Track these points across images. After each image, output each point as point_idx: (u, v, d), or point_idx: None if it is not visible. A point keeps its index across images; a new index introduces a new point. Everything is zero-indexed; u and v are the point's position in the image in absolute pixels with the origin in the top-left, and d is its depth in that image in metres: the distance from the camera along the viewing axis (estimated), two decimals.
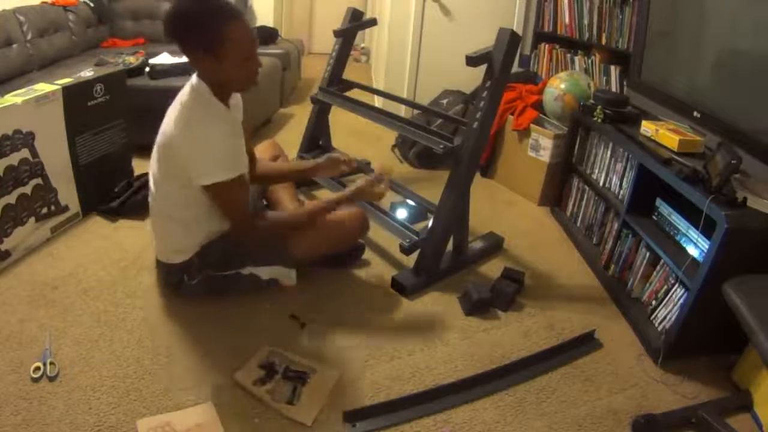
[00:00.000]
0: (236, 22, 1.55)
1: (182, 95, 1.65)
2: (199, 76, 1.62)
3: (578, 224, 2.52)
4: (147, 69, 2.94)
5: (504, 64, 1.86)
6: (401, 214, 2.13)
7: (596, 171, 2.38)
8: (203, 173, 1.59)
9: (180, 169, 1.61)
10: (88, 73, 2.32)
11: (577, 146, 2.54)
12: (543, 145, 2.72)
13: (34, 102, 1.98)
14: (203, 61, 1.56)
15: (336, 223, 1.87)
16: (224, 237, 1.77)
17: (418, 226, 2.09)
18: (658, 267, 1.88)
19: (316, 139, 2.76)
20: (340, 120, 3.08)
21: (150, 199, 1.77)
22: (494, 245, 2.32)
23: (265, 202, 2.19)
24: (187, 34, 1.54)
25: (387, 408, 1.47)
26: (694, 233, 1.74)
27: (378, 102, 3.52)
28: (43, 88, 2.06)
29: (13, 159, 1.93)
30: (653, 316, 1.84)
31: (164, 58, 3.10)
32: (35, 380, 1.46)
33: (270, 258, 1.82)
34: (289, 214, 1.96)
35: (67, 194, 2.22)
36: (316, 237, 1.86)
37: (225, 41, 1.52)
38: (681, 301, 1.70)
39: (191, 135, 1.58)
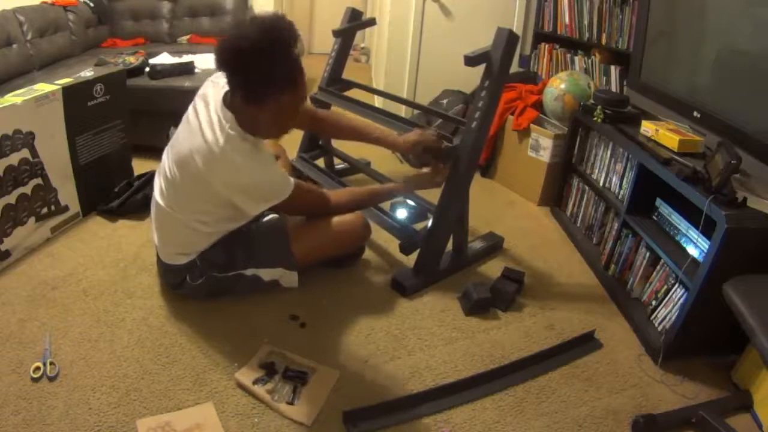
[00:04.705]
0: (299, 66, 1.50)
1: (214, 139, 1.53)
2: (234, 114, 1.55)
3: (578, 224, 2.52)
4: (147, 69, 2.93)
5: (502, 64, 1.86)
6: (401, 214, 2.13)
7: (596, 171, 2.38)
8: (259, 207, 1.66)
9: (218, 197, 1.61)
10: (88, 73, 2.32)
11: (577, 146, 2.54)
12: (543, 145, 2.72)
13: (34, 102, 1.98)
14: (256, 105, 1.51)
15: (338, 228, 1.87)
16: (227, 238, 1.77)
17: (418, 226, 2.09)
18: (658, 267, 1.88)
19: (316, 138, 2.76)
20: None
21: (159, 200, 1.73)
22: (494, 245, 2.32)
23: None
24: (256, 69, 1.44)
25: (387, 408, 1.47)
26: (694, 233, 1.74)
27: (378, 102, 3.51)
28: (43, 88, 2.06)
29: (13, 159, 1.93)
30: (653, 316, 1.84)
31: (164, 58, 3.10)
32: (35, 380, 1.46)
33: (272, 260, 1.82)
34: (351, 193, 1.97)
35: (67, 194, 2.22)
36: (319, 241, 1.87)
37: (293, 83, 1.49)
38: (681, 301, 1.69)
39: (237, 185, 1.57)
